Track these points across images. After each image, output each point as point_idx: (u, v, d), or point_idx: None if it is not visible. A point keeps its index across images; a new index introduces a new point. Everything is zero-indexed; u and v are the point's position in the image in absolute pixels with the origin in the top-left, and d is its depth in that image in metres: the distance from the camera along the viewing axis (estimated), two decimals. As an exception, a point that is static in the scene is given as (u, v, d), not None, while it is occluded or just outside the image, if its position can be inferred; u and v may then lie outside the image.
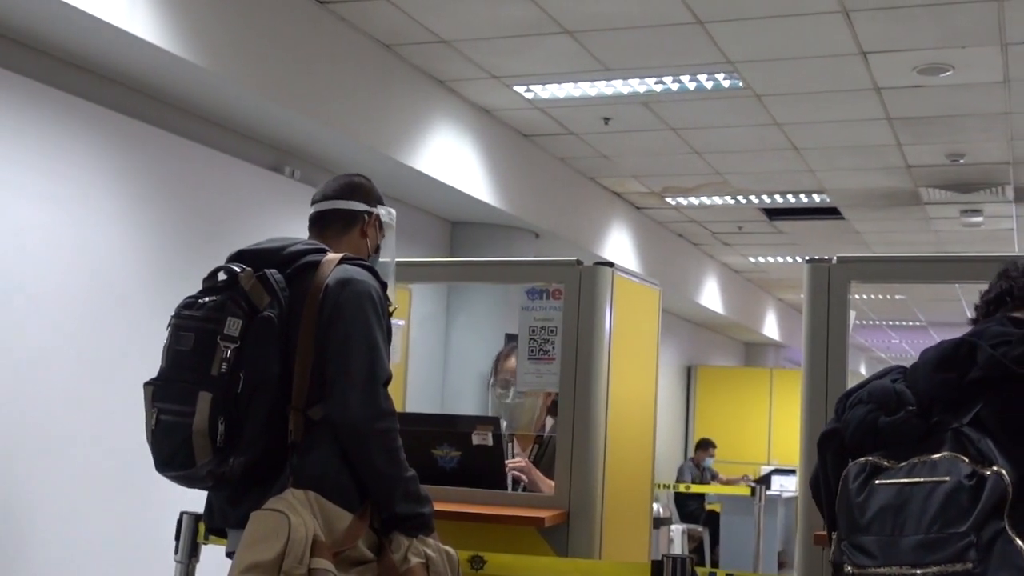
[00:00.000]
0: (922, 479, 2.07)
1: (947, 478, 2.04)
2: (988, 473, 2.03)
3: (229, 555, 2.72)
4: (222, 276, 2.72)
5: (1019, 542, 1.98)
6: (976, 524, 1.98)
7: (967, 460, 2.06)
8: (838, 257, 3.52)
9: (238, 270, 2.71)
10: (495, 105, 7.54)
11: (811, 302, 3.55)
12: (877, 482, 2.12)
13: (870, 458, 2.18)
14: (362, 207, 3.03)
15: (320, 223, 3.02)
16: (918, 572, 2.00)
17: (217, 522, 2.85)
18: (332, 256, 2.83)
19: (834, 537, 2.24)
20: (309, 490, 2.59)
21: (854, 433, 2.26)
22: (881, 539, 2.06)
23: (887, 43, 6.07)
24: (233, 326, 2.64)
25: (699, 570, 3.05)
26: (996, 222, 10.33)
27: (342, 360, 2.69)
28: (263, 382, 2.64)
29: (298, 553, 2.45)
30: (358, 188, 3.06)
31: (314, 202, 3.06)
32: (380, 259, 3.09)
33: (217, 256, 2.88)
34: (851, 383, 2.58)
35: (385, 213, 3.09)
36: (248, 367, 2.63)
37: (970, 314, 2.52)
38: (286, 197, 6.15)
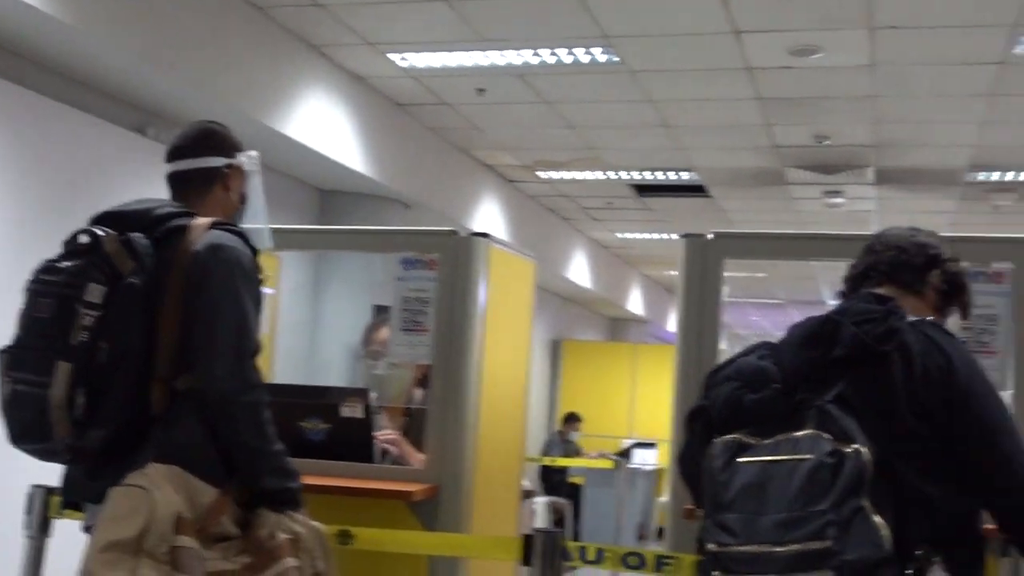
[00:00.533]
0: (784, 457, 2.09)
1: (809, 456, 2.06)
2: (848, 451, 2.04)
3: (87, 530, 2.60)
4: (83, 239, 2.57)
5: (876, 519, 2.00)
6: (835, 502, 2.00)
7: (829, 438, 2.08)
8: (714, 233, 3.54)
9: (101, 233, 2.57)
10: (369, 72, 7.40)
11: (686, 277, 3.56)
12: (740, 460, 2.14)
13: (736, 435, 2.19)
14: (220, 161, 2.84)
15: (178, 183, 2.84)
16: (778, 550, 2.01)
17: (74, 495, 2.72)
18: (202, 220, 2.69)
19: (700, 514, 2.24)
20: (172, 464, 2.48)
21: (721, 410, 2.27)
22: (743, 517, 2.07)
23: (761, 23, 6.14)
24: (95, 292, 2.50)
25: (569, 544, 3.03)
26: (856, 203, 10.61)
27: (209, 330, 2.57)
28: (126, 351, 2.52)
29: (161, 531, 2.35)
30: (212, 139, 2.86)
31: (168, 159, 2.86)
32: (248, 220, 2.92)
33: (79, 219, 2.72)
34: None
35: (247, 160, 2.90)
36: (110, 336, 2.50)
37: (827, 293, 2.56)
38: (150, 159, 5.91)
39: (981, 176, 9.35)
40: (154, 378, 2.56)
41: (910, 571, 2.09)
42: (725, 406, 2.27)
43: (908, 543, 2.07)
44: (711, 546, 2.10)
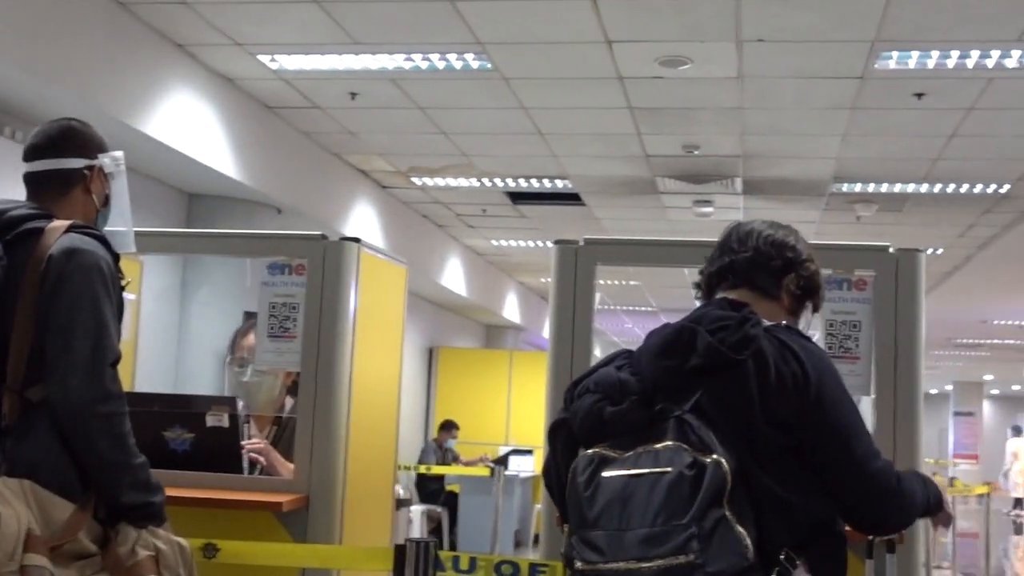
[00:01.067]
0: (646, 470, 2.09)
1: (669, 469, 2.07)
2: (708, 461, 2.05)
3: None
4: (-70, 243, 2.45)
5: (739, 528, 2.02)
6: (697, 514, 2.01)
7: (689, 449, 2.09)
8: (585, 239, 3.55)
9: (-51, 236, 2.45)
10: (238, 74, 7.26)
11: (558, 283, 3.56)
12: (604, 475, 2.13)
13: (598, 449, 2.18)
14: (80, 162, 2.71)
15: (36, 185, 2.71)
16: (644, 567, 2.01)
17: (-82, 512, 2.57)
18: (58, 223, 2.58)
19: (566, 529, 2.23)
20: (23, 479, 2.37)
21: (581, 423, 2.27)
22: (608, 534, 2.06)
23: (631, 33, 6.20)
24: (-58, 297, 2.39)
25: (442, 553, 2.99)
26: (725, 213, 10.80)
27: (64, 337, 2.47)
28: (-27, 359, 2.40)
29: (8, 549, 2.24)
30: (72, 138, 2.73)
31: (25, 158, 2.73)
32: (111, 223, 2.81)
33: (-74, 221, 2.59)
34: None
35: (109, 161, 2.77)
36: (-43, 343, 2.39)
37: (695, 294, 2.55)
38: (6, 159, 5.70)
39: (844, 187, 9.62)
40: (4, 387, 2.45)
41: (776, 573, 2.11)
42: (586, 419, 2.26)
43: (770, 548, 2.09)
44: (579, 564, 2.09)
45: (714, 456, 2.06)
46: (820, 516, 2.20)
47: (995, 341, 21.35)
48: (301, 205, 8.67)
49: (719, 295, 2.41)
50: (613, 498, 2.08)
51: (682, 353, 2.24)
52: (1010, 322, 18.20)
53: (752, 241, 2.43)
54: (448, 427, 13.05)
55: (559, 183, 10.07)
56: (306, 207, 8.78)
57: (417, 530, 11.43)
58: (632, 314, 19.24)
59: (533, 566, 3.01)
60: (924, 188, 9.48)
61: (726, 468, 2.05)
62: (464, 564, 3.03)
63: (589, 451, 2.19)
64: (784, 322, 2.37)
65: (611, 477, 2.11)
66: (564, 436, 2.32)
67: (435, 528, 12.15)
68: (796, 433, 2.18)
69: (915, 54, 6.32)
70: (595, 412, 2.24)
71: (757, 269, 2.40)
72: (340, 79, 7.24)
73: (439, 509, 12.19)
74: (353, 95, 7.57)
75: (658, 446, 2.12)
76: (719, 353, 2.20)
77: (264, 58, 6.88)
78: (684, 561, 1.98)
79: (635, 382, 2.25)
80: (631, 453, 2.13)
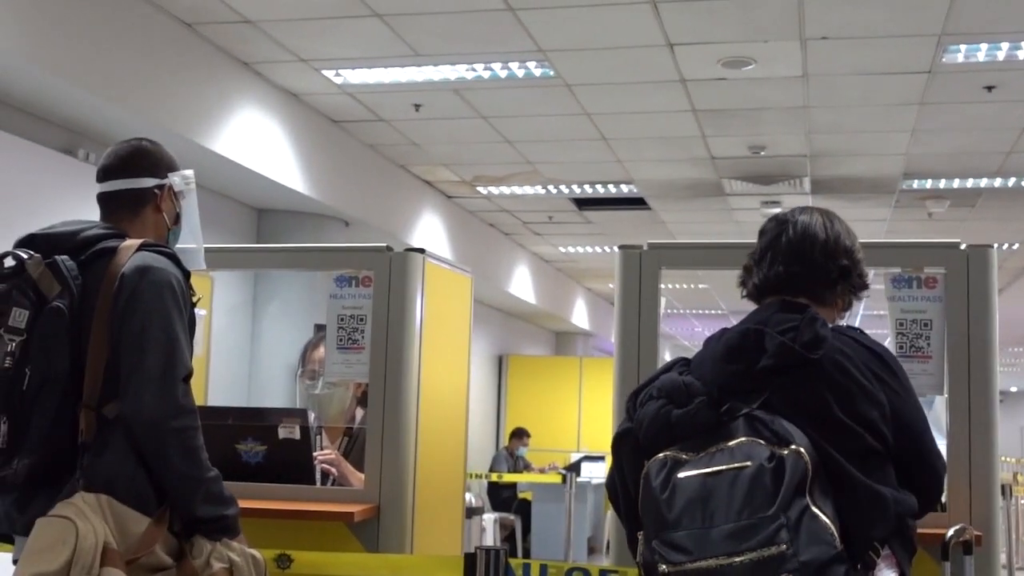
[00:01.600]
0: (723, 467, 2.09)
1: (748, 463, 2.07)
2: (786, 453, 2.06)
3: (16, 562, 2.53)
4: (8, 262, 2.51)
5: (823, 517, 2.02)
6: (783, 505, 2.01)
7: (764, 443, 2.09)
8: (648, 244, 3.54)
9: (25, 256, 2.52)
10: (303, 89, 7.35)
11: (623, 288, 3.55)
12: (680, 475, 2.12)
13: (668, 452, 2.17)
14: (151, 182, 2.77)
15: (109, 204, 2.77)
16: (736, 561, 2.00)
17: (3, 528, 2.64)
18: (130, 242, 2.64)
19: (640, 537, 2.22)
20: (101, 493, 2.42)
21: (648, 429, 2.26)
22: (692, 533, 2.05)
23: (693, 35, 6.18)
24: (19, 317, 2.44)
25: (512, 561, 3.00)
26: (794, 213, 10.70)
27: (138, 354, 2.51)
28: (51, 378, 2.46)
29: (85, 563, 2.28)
30: (143, 159, 2.79)
31: (98, 179, 2.80)
32: (182, 240, 2.86)
33: (6, 243, 2.66)
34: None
35: (179, 180, 2.82)
36: (35, 362, 2.45)
37: (741, 292, 2.53)
38: (80, 180, 5.81)
39: (915, 184, 9.48)
40: (82, 405, 2.50)
41: (859, 566, 2.11)
42: (652, 425, 2.25)
43: (859, 541, 2.09)
44: (663, 567, 2.08)
45: (792, 446, 2.07)
46: (909, 509, 2.23)
47: (1076, 336, 20.88)
48: (368, 217, 8.75)
49: (776, 297, 2.40)
50: (693, 497, 2.07)
51: (750, 355, 2.24)
52: (1091, 317, 17.79)
53: (808, 253, 2.40)
54: (519, 435, 13.06)
55: (624, 188, 10.05)
56: (373, 219, 8.85)
57: (490, 538, 11.45)
58: (701, 317, 19.12)
59: (604, 572, 3.00)
60: (997, 182, 9.31)
61: (807, 458, 2.06)
62: (535, 571, 3.03)
63: (660, 455, 2.18)
64: (845, 323, 2.38)
65: (687, 477, 2.11)
66: (630, 446, 2.31)
67: (508, 536, 12.17)
68: (881, 430, 2.20)
69: (984, 46, 6.22)
70: (662, 417, 2.24)
71: (816, 283, 2.41)
72: (403, 91, 7.29)
73: (512, 517, 12.20)
74: (417, 107, 7.62)
75: (731, 443, 2.12)
76: (793, 352, 2.21)
77: (328, 73, 6.96)
78: (776, 552, 1.98)
79: (699, 385, 2.25)
80: (704, 454, 2.13)
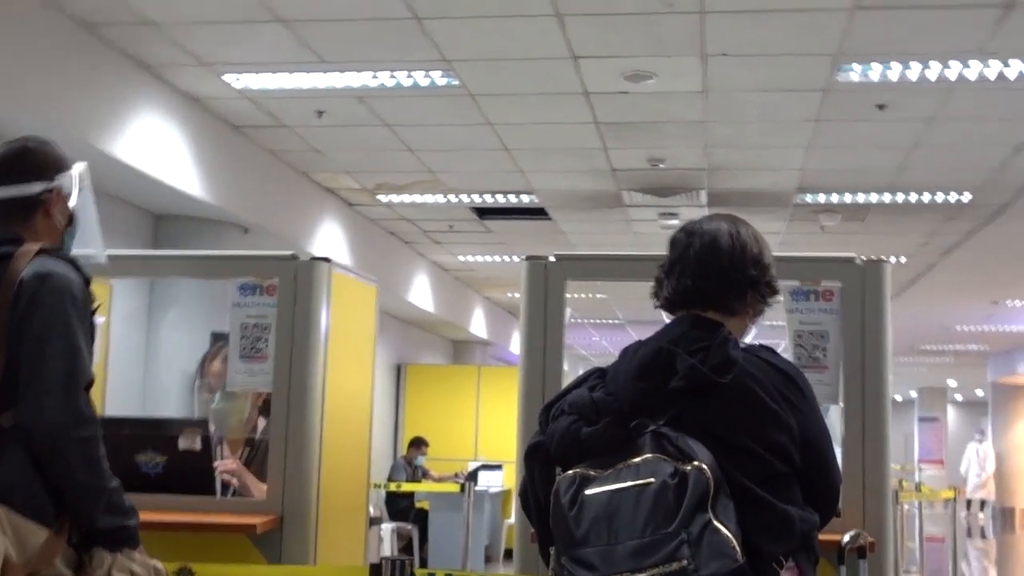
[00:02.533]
0: (629, 483, 2.11)
1: (652, 479, 2.09)
2: (689, 469, 2.09)
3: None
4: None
5: (725, 531, 2.05)
6: (684, 521, 2.03)
7: (668, 459, 2.12)
8: (555, 255, 3.57)
9: (-80, 264, 2.44)
10: (204, 93, 7.24)
11: (528, 299, 3.58)
12: (587, 492, 2.15)
13: (578, 469, 2.20)
14: (38, 187, 2.65)
15: (1, 211, 2.65)
16: None
17: None
18: (27, 248, 2.57)
19: (552, 551, 2.24)
20: (-1, 504, 2.36)
21: (558, 445, 2.28)
22: (598, 550, 2.08)
23: (597, 49, 6.24)
24: (-88, 326, 2.37)
25: (417, 571, 3.00)
26: (691, 225, 10.86)
27: (37, 361, 2.46)
28: (-54, 386, 2.39)
29: (-15, 576, 2.23)
30: (28, 162, 2.67)
31: None
32: (81, 241, 2.74)
33: None
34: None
35: (68, 180, 2.70)
36: (-70, 370, 2.37)
37: (654, 303, 2.54)
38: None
39: (808, 198, 9.70)
40: (-23, 414, 2.44)
41: None
42: (563, 441, 2.28)
43: (764, 557, 2.13)
44: None
45: (695, 463, 2.10)
46: (813, 526, 2.28)
47: (958, 347, 21.57)
48: (268, 224, 8.66)
49: (688, 311, 2.41)
50: (599, 514, 2.10)
51: (661, 375, 2.26)
52: (972, 328, 18.40)
53: (715, 265, 2.39)
54: (417, 444, 13.02)
55: (525, 198, 10.10)
56: (273, 226, 8.76)
57: (388, 548, 11.40)
58: (599, 327, 19.29)
59: (509, 582, 3.01)
60: (887, 198, 9.57)
61: (708, 474, 2.08)
62: (440, 581, 3.03)
63: (570, 472, 2.20)
64: (753, 333, 2.42)
65: (594, 494, 2.13)
66: (541, 459, 2.34)
67: (406, 546, 12.12)
68: (789, 453, 2.25)
69: (877, 66, 6.40)
70: (572, 433, 2.26)
71: (725, 295, 2.40)
72: (306, 97, 7.23)
73: (409, 526, 12.16)
74: (319, 113, 7.57)
75: (637, 460, 2.14)
76: (702, 376, 2.23)
77: (230, 77, 6.87)
78: (677, 567, 2.01)
79: (611, 401, 2.27)
80: (611, 470, 2.16)
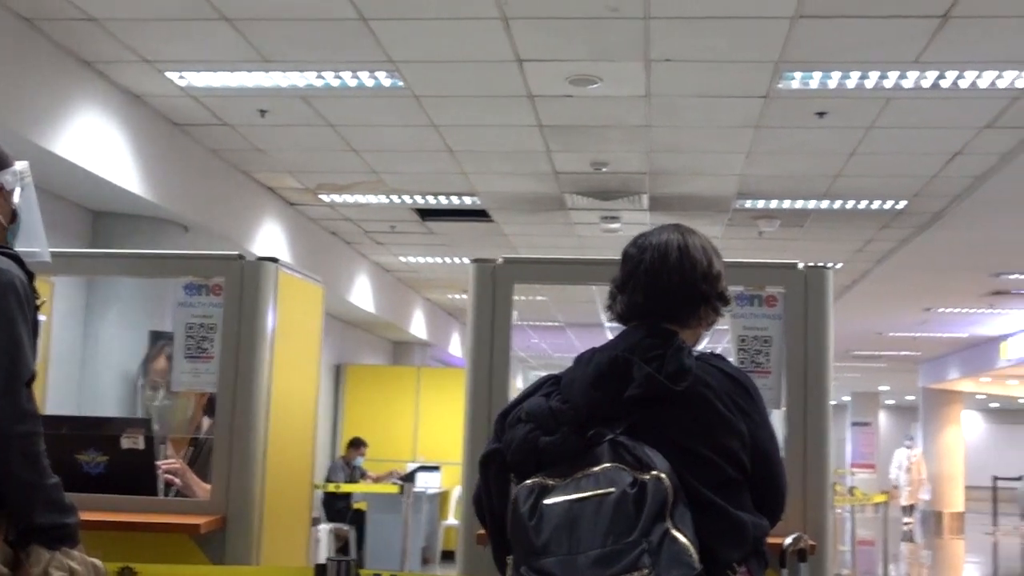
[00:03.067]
0: (589, 493, 2.13)
1: (612, 489, 2.12)
2: (647, 478, 2.12)
3: None
4: None
5: (683, 539, 2.08)
6: (644, 530, 2.06)
7: (627, 468, 2.14)
8: (503, 258, 3.58)
9: None
10: (145, 91, 7.16)
11: (476, 302, 3.59)
12: (546, 502, 2.16)
13: (537, 478, 2.21)
14: None
15: None
16: None
17: None
18: (-30, 243, 2.54)
19: (510, 561, 2.26)
20: (-65, 501, 2.33)
21: (516, 454, 2.29)
22: (560, 559, 2.09)
23: (542, 52, 6.27)
24: None
25: (362, 572, 2.99)
26: (632, 228, 10.85)
27: (-23, 356, 2.43)
28: None
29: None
30: None
31: None
32: (24, 237, 2.74)
33: None
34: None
35: (11, 177, 2.69)
36: None
37: (606, 316, 2.57)
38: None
39: (748, 203, 9.82)
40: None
41: None
42: (520, 450, 2.28)
43: (720, 563, 2.17)
44: None
45: (653, 472, 2.12)
46: (764, 531, 2.33)
47: (890, 352, 21.93)
48: (208, 223, 8.58)
49: (644, 320, 2.43)
50: (560, 523, 2.11)
51: (617, 383, 2.28)
52: (904, 334, 18.72)
53: (666, 282, 2.41)
54: (356, 444, 12.98)
55: (468, 200, 10.11)
56: (214, 225, 8.68)
57: (325, 549, 11.34)
58: (538, 329, 19.34)
59: (455, 583, 3.02)
60: (825, 204, 9.72)
61: (666, 483, 2.11)
62: (386, 582, 3.03)
63: (528, 481, 2.21)
64: (706, 340, 2.46)
65: (554, 504, 2.14)
66: (496, 467, 2.34)
67: (342, 547, 12.07)
68: (741, 460, 2.30)
69: (817, 74, 6.50)
70: (529, 442, 2.27)
71: (676, 310, 2.43)
72: (249, 96, 7.19)
73: (346, 527, 12.11)
74: (262, 112, 7.52)
75: (596, 469, 2.16)
76: (659, 384, 2.26)
77: (172, 75, 6.81)
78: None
79: (567, 410, 2.28)
80: (570, 480, 2.17)
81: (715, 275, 2.47)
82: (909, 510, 22.89)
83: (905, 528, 21.61)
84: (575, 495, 2.14)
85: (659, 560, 2.05)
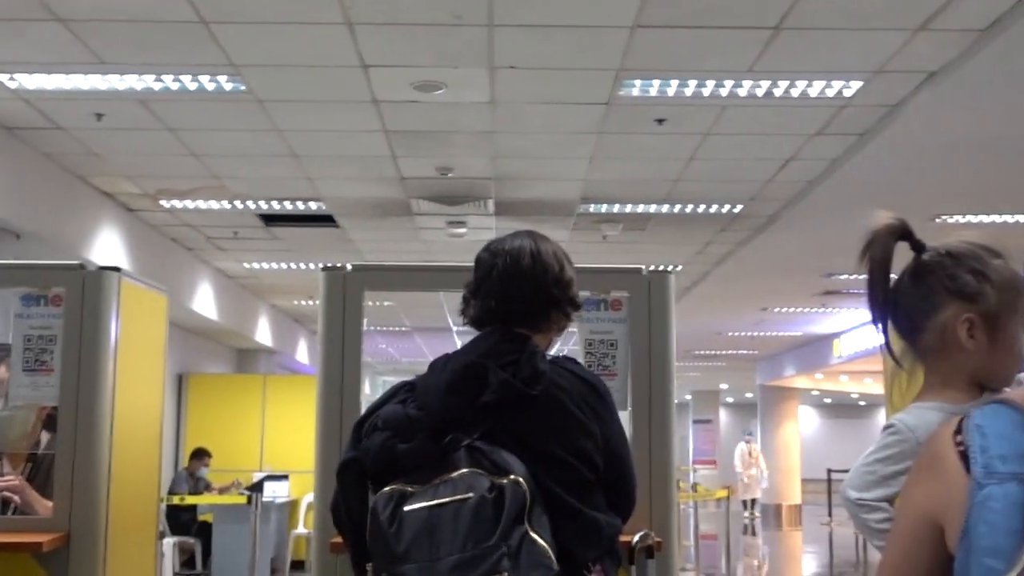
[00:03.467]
0: (447, 499, 2.15)
1: (470, 494, 2.14)
2: (505, 483, 2.15)
3: None
4: None
5: (541, 542, 2.13)
6: (503, 534, 2.10)
7: (484, 473, 2.18)
8: (353, 265, 3.59)
9: None
10: (-28, 93, 6.89)
11: (326, 309, 3.58)
12: (406, 509, 2.17)
13: (395, 486, 2.22)
14: None
15: None
16: None
17: None
18: None
19: (369, 569, 2.26)
20: None
21: (374, 462, 2.30)
22: (420, 566, 2.11)
23: (387, 58, 6.27)
24: None
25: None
26: (478, 233, 11.00)
27: None
28: None
29: None
30: None
31: None
32: None
33: None
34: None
35: None
36: None
37: (454, 320, 2.63)
38: None
39: (591, 208, 9.99)
40: None
41: None
42: (379, 459, 2.29)
43: (576, 562, 2.22)
44: None
45: (511, 476, 2.16)
46: (617, 531, 2.39)
47: (729, 352, 22.60)
48: (41, 230, 8.29)
49: (497, 325, 2.47)
50: (419, 530, 2.12)
51: (473, 389, 2.30)
52: (742, 333, 19.32)
53: (518, 287, 2.46)
54: (199, 455, 12.73)
55: (313, 205, 10.02)
56: (47, 232, 8.40)
57: (169, 563, 11.08)
58: (386, 334, 19.27)
59: (308, 592, 3.01)
60: (665, 208, 9.96)
61: (524, 487, 2.15)
62: (238, 594, 3.00)
63: (387, 488, 2.22)
64: (557, 345, 2.51)
65: (413, 510, 2.15)
66: (354, 475, 2.34)
67: (188, 560, 11.81)
68: (594, 460, 2.35)
69: (656, 82, 6.66)
70: (387, 450, 2.28)
71: (528, 314, 2.47)
72: (85, 99, 6.98)
73: (192, 540, 11.86)
74: (99, 116, 7.31)
75: (454, 475, 2.18)
76: (514, 388, 2.29)
77: (2, 76, 6.56)
78: None
79: (424, 417, 2.30)
80: (429, 486, 2.19)
81: (567, 281, 2.52)
82: (751, 504, 23.60)
83: (746, 522, 22.27)
84: (434, 501, 2.15)
85: (518, 563, 2.08)
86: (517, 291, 2.45)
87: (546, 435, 2.30)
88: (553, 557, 2.13)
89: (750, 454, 24.30)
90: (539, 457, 2.26)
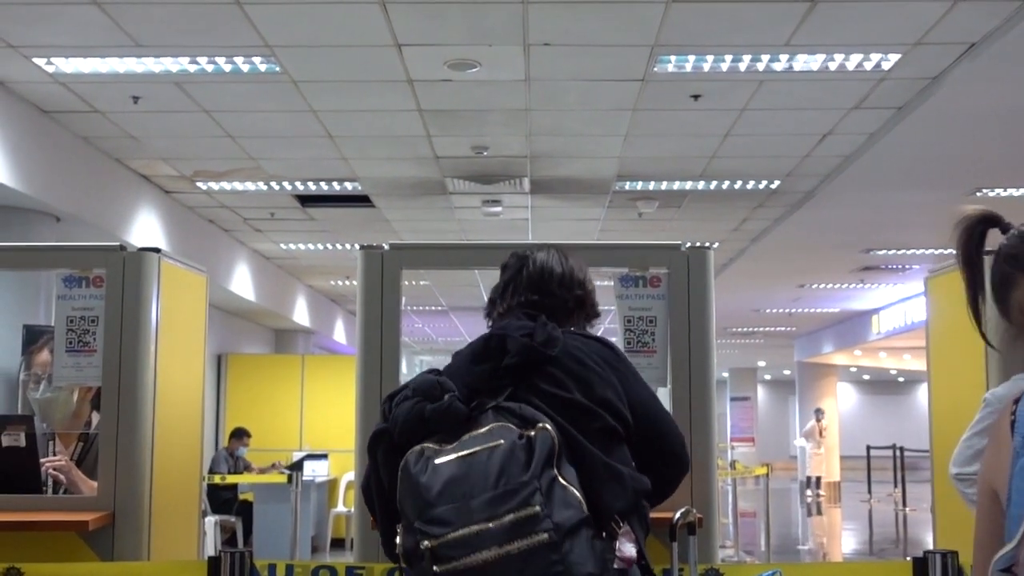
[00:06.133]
0: (478, 448, 2.22)
1: (501, 442, 2.21)
2: (534, 432, 2.23)
3: None
4: None
5: (571, 487, 2.20)
6: (536, 472, 2.16)
7: (513, 426, 2.26)
8: (390, 244, 3.59)
9: None
10: (11, 77, 6.94)
11: (364, 288, 3.59)
12: (436, 461, 2.22)
13: (425, 444, 2.27)
14: None
15: None
16: (491, 525, 2.12)
17: None
18: None
19: (399, 529, 2.28)
20: None
21: (403, 426, 2.34)
22: (454, 506, 2.16)
23: (420, 37, 6.26)
24: None
25: (257, 562, 2.98)
26: (513, 212, 11.02)
27: None
28: None
29: None
30: None
31: None
32: None
33: None
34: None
35: None
36: None
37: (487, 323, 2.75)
38: None
39: (627, 185, 9.96)
40: None
41: (604, 533, 2.28)
42: (407, 421, 2.34)
43: (603, 514, 2.26)
44: (425, 543, 2.14)
45: (539, 425, 2.24)
46: (643, 487, 2.43)
47: (767, 329, 22.50)
48: (81, 213, 8.36)
49: (519, 313, 2.63)
50: (452, 476, 2.19)
51: (494, 355, 2.43)
52: (779, 310, 19.22)
53: (547, 285, 2.68)
54: (239, 435, 12.82)
55: (348, 185, 10.04)
56: (87, 215, 8.47)
57: (212, 541, 11.19)
58: (422, 314, 19.33)
59: (350, 569, 3.03)
60: (701, 185, 9.91)
61: (553, 434, 2.23)
62: (281, 571, 3.03)
63: (417, 447, 2.27)
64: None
65: (445, 462, 2.22)
66: (385, 446, 2.38)
67: (230, 538, 11.93)
68: (618, 409, 2.43)
69: (692, 58, 6.62)
70: (416, 412, 2.33)
71: (555, 311, 2.65)
72: (121, 82, 7.02)
73: (233, 519, 11.96)
74: (135, 99, 7.35)
75: (482, 429, 2.27)
76: (532, 350, 2.42)
77: (40, 61, 6.61)
78: (531, 512, 2.12)
79: (450, 383, 2.39)
80: (456, 442, 2.26)
81: (590, 288, 2.74)
82: (816, 482, 23.44)
83: (810, 500, 22.14)
84: (463, 452, 2.22)
85: (550, 500, 2.14)
86: (547, 288, 2.67)
87: (568, 387, 2.41)
88: (583, 502, 2.19)
89: (820, 433, 24.06)
90: (563, 408, 2.36)
